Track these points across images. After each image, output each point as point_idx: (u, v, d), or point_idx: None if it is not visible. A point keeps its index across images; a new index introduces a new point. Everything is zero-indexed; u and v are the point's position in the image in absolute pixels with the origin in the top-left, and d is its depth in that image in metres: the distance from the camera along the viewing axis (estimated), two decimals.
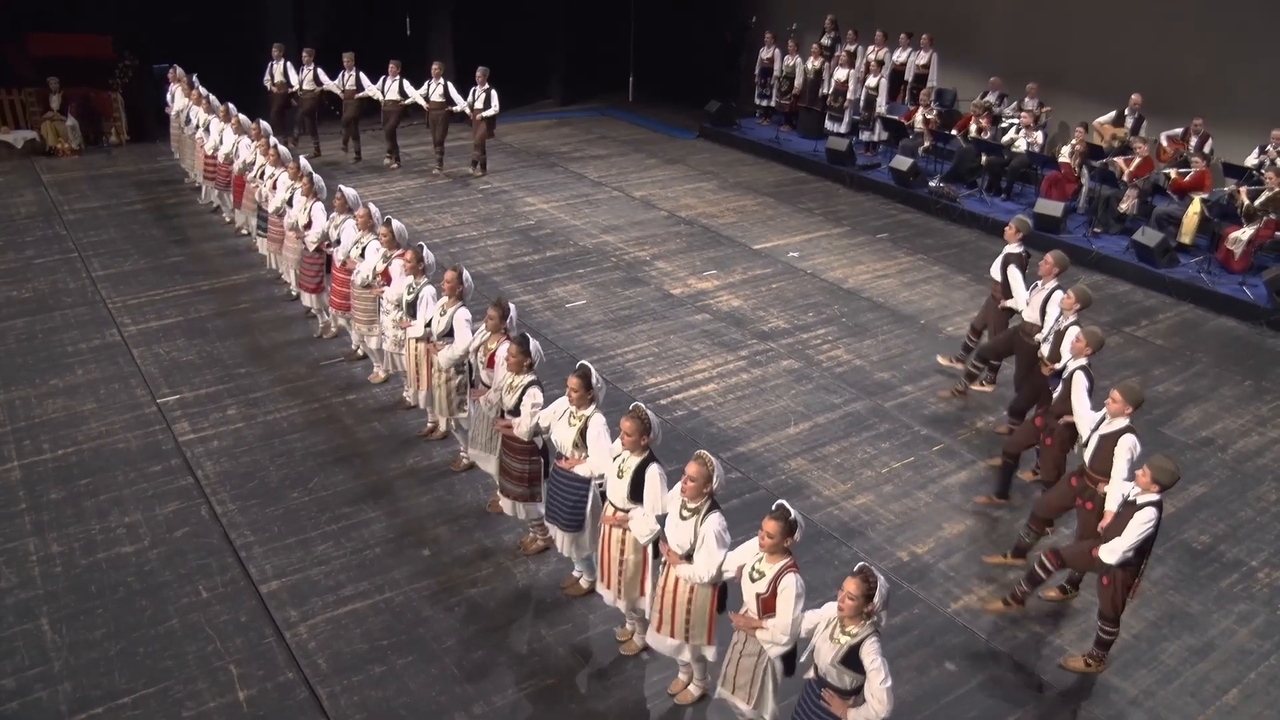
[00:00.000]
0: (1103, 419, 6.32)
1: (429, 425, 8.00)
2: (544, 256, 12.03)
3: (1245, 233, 11.32)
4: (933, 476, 7.89)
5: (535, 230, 12.91)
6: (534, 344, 6.11)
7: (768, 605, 4.60)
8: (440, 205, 13.65)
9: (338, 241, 8.50)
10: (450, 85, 14.21)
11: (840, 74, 15.98)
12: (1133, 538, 5.57)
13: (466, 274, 6.95)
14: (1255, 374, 9.83)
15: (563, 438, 5.73)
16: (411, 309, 7.25)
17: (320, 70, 14.61)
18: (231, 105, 11.93)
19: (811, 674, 4.53)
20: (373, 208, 8.30)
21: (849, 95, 15.94)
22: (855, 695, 4.41)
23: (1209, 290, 11.25)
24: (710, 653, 5.22)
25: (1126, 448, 6.08)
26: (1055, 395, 7.00)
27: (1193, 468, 8.04)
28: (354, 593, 6.36)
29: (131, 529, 6.89)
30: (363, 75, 14.50)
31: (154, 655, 5.80)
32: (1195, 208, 11.81)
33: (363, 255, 8.09)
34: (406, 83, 14.34)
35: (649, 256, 12.15)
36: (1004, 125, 14.47)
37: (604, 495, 5.77)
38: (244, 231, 11.89)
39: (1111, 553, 5.62)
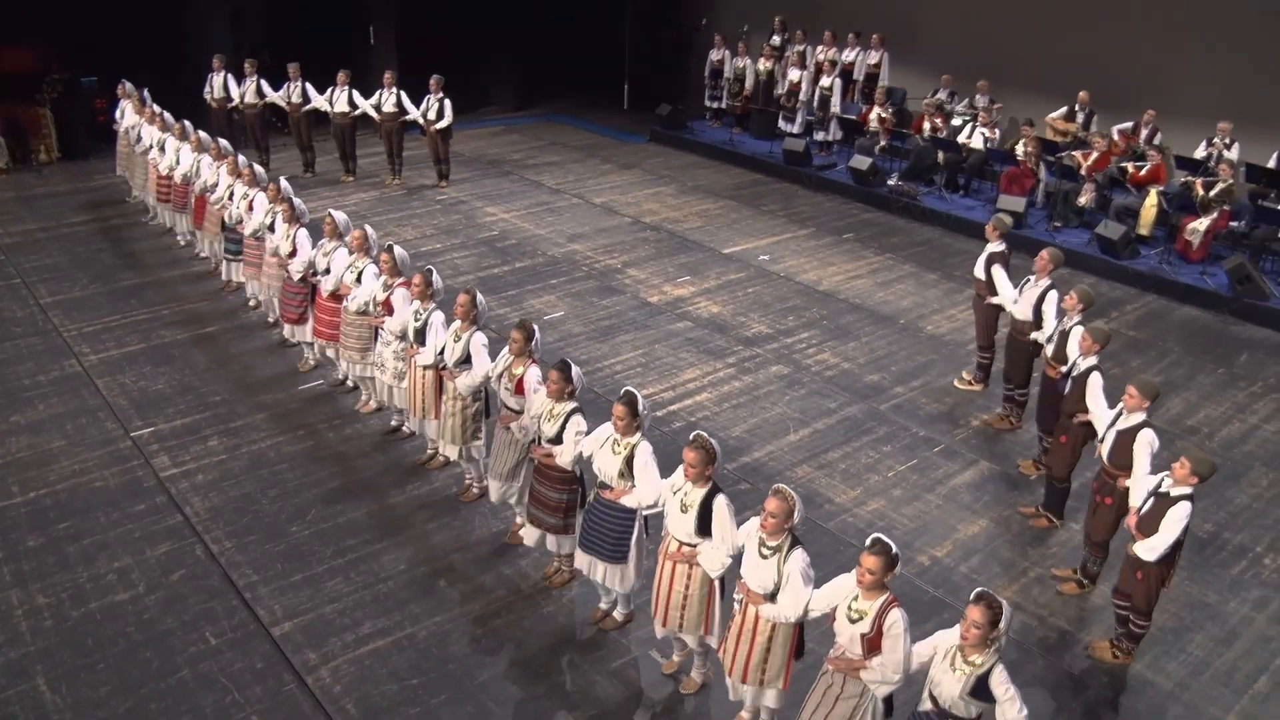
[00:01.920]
0: (1119, 414, 6.36)
1: (428, 453, 7.72)
2: (513, 268, 11.78)
3: (1202, 223, 11.62)
4: (939, 478, 7.89)
5: (500, 241, 12.65)
6: (575, 369, 5.90)
7: (873, 644, 4.45)
8: (399, 218, 13.28)
9: (327, 270, 8.09)
10: (403, 95, 13.85)
11: (794, 74, 16.01)
12: (1172, 534, 5.60)
13: (480, 297, 6.70)
14: (1225, 361, 10.08)
15: (607, 467, 5.52)
16: (420, 336, 6.95)
17: (264, 82, 14.11)
18: (188, 123, 11.41)
19: (929, 706, 4.42)
20: (369, 230, 7.97)
21: (801, 95, 15.98)
22: None
23: (1171, 280, 11.53)
24: (773, 697, 5.06)
25: (1146, 442, 6.13)
26: (1066, 394, 7.03)
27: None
28: (373, 630, 6.08)
29: (123, 574, 6.50)
30: (309, 86, 14.04)
31: (168, 711, 5.45)
32: (1152, 200, 12.08)
33: (358, 280, 7.74)
34: (356, 93, 13.93)
35: (620, 264, 11.99)
36: (956, 123, 14.66)
37: (648, 527, 5.64)
38: (202, 254, 11.39)
39: (1151, 550, 5.64)
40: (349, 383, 8.68)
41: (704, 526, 5.15)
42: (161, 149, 11.59)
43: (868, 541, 4.55)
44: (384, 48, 16.95)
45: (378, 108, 13.96)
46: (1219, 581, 6.85)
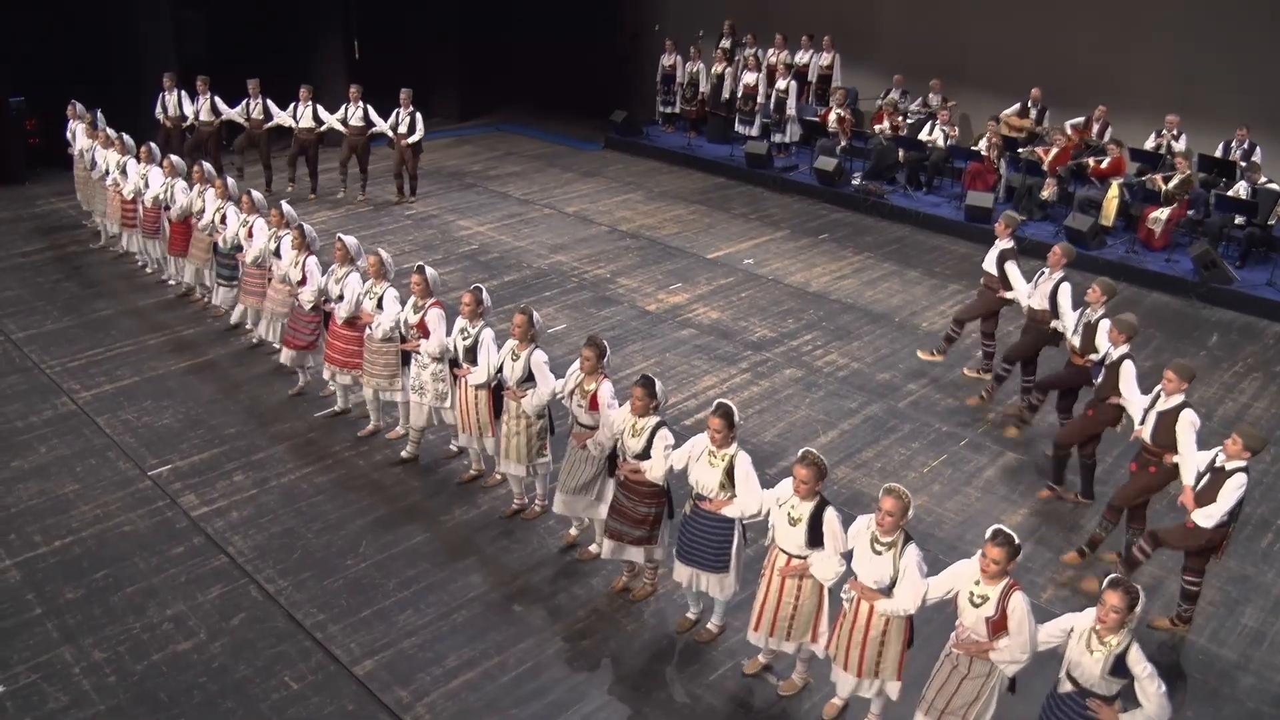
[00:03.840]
0: (1156, 397, 6.66)
1: (492, 476, 7.57)
2: (503, 282, 11.63)
3: (1163, 213, 12.17)
4: (972, 472, 8.09)
5: (482, 255, 12.47)
6: (658, 384, 5.89)
7: (998, 627, 4.64)
8: (371, 235, 12.96)
9: (340, 297, 7.83)
10: (370, 108, 13.54)
11: (749, 78, 16.18)
12: (1228, 503, 5.93)
13: (536, 315, 6.62)
14: (1202, 344, 10.58)
15: (706, 479, 5.55)
16: (470, 355, 6.82)
17: (218, 99, 13.63)
18: (154, 145, 10.94)
19: (1069, 688, 4.59)
20: (384, 255, 7.76)
21: (758, 98, 16.16)
22: (1116, 700, 4.58)
23: (1139, 268, 12.04)
24: (895, 690, 5.17)
25: (1189, 421, 6.46)
26: (1100, 382, 7.30)
27: None
28: (459, 661, 5.94)
29: (179, 622, 6.21)
30: (270, 102, 13.62)
31: None
32: (1114, 192, 12.59)
33: (379, 306, 7.53)
34: (320, 108, 13.57)
35: (609, 274, 11.95)
36: (910, 121, 15.04)
37: (746, 534, 5.67)
38: (172, 280, 10.94)
39: (1208, 517, 5.97)
40: (345, 408, 8.47)
41: (814, 538, 5.22)
42: (123, 172, 11.07)
43: (988, 534, 4.79)
44: (336, 61, 16.50)
45: (344, 122, 13.62)
46: (1252, 555, 7.19)
